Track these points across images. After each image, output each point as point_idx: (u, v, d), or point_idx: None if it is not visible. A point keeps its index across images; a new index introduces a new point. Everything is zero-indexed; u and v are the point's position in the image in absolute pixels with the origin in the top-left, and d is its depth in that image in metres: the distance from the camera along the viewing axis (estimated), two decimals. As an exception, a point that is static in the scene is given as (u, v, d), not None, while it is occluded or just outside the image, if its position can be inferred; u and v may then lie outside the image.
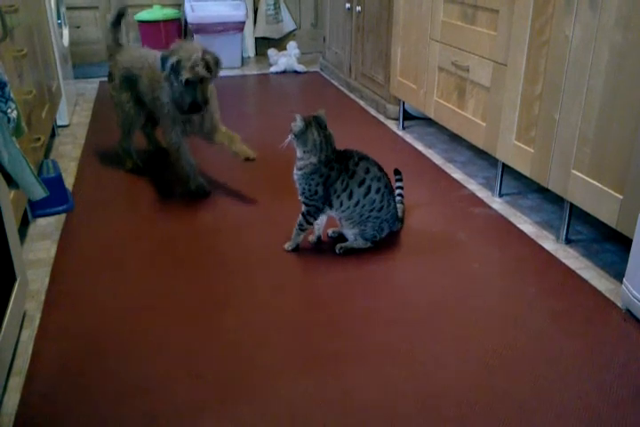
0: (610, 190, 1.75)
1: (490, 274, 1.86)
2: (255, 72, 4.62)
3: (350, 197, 1.87)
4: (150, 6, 4.63)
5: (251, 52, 5.16)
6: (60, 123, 3.25)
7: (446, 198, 2.39)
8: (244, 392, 1.38)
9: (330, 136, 1.87)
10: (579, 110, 1.84)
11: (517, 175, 2.59)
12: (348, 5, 3.85)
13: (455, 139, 3.08)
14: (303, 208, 1.92)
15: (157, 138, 2.87)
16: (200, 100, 2.19)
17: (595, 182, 1.81)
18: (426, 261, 1.94)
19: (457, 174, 2.63)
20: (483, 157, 2.84)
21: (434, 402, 1.35)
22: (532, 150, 2.09)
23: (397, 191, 2.15)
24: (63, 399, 1.36)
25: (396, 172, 2.18)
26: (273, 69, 4.57)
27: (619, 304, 1.70)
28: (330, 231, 2.06)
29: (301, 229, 1.96)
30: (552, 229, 2.15)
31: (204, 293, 1.77)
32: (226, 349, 1.52)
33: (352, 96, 3.89)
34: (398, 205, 2.12)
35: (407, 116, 3.31)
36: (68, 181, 2.54)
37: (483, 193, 2.44)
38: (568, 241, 2.05)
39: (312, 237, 2.03)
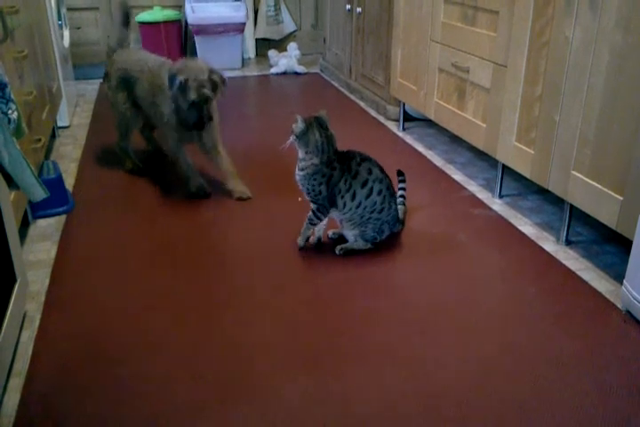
0: (610, 192, 1.75)
1: (490, 275, 1.86)
2: (255, 73, 4.62)
3: (353, 198, 1.88)
4: (151, 7, 4.63)
5: (251, 53, 5.16)
6: (60, 124, 3.25)
7: (446, 200, 2.39)
8: (244, 392, 1.38)
9: (331, 137, 1.87)
10: (579, 112, 1.84)
11: (517, 176, 2.59)
12: (348, 7, 3.85)
13: (455, 140, 3.08)
14: (312, 206, 1.93)
15: (156, 138, 2.87)
16: (205, 119, 2.25)
17: (595, 184, 1.81)
18: (426, 262, 1.94)
19: (457, 176, 2.63)
20: (483, 158, 2.84)
21: (434, 402, 1.35)
22: (533, 152, 2.09)
23: (400, 193, 2.15)
24: (63, 400, 1.36)
25: (399, 173, 2.18)
26: (273, 70, 4.58)
27: (619, 305, 1.70)
28: (330, 233, 2.06)
29: (312, 223, 1.96)
30: (552, 230, 2.15)
31: (204, 293, 1.77)
32: (226, 349, 1.53)
33: (352, 97, 3.90)
34: (400, 207, 2.12)
35: (407, 117, 3.31)
36: (69, 182, 2.54)
37: (483, 194, 2.44)
38: (568, 242, 2.06)
39: (312, 239, 2.03)
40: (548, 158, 2.01)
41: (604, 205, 1.78)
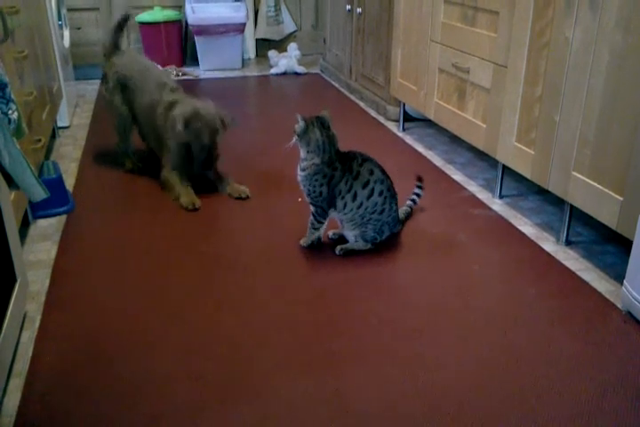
0: (610, 192, 1.75)
1: (490, 275, 1.86)
2: (256, 73, 4.63)
3: (354, 198, 1.88)
4: (151, 8, 4.64)
5: (251, 53, 5.16)
6: (60, 124, 3.25)
7: (446, 200, 2.39)
8: (244, 392, 1.38)
9: (333, 137, 1.87)
10: (579, 112, 1.84)
11: (518, 177, 2.59)
12: (348, 7, 3.85)
13: (455, 140, 3.08)
14: (312, 208, 1.93)
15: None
16: (212, 159, 2.37)
17: (595, 184, 1.81)
18: (426, 262, 1.94)
19: (457, 176, 2.63)
20: (483, 158, 2.84)
21: (434, 402, 1.35)
22: (533, 152, 2.09)
23: (412, 196, 2.22)
24: (63, 400, 1.36)
25: (419, 179, 2.23)
26: (273, 71, 4.58)
27: (619, 306, 1.70)
28: (330, 233, 2.06)
29: (314, 227, 1.97)
30: (552, 230, 2.15)
31: (204, 293, 1.77)
32: (226, 349, 1.53)
33: (352, 97, 3.90)
34: (405, 208, 2.13)
35: (407, 117, 3.31)
36: (69, 182, 2.54)
37: (483, 195, 2.44)
38: (568, 243, 2.06)
39: (314, 238, 2.03)
40: (548, 159, 2.01)
41: (604, 205, 1.78)
